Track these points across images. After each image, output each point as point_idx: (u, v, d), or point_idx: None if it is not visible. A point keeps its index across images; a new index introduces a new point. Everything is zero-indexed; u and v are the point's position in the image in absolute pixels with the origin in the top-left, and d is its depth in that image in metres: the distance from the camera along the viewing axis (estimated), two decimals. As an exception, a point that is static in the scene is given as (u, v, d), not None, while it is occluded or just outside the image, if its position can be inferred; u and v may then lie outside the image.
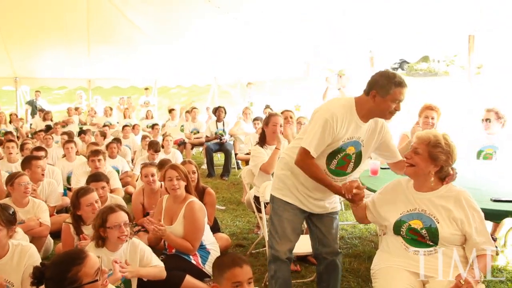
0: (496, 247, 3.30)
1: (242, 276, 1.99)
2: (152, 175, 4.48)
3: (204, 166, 8.67)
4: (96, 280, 1.99)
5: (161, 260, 3.14)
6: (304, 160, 2.56)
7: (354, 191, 2.46)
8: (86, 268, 1.96)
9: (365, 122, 2.55)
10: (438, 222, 2.29)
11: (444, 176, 2.39)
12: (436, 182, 2.40)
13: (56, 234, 4.17)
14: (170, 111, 11.40)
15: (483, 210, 2.43)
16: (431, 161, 2.34)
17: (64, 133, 7.86)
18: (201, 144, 9.24)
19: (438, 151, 2.32)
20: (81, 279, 1.94)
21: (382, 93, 2.41)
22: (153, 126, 9.60)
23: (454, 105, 8.09)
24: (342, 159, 2.62)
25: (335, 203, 2.85)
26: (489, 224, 3.64)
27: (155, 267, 2.97)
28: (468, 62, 5.84)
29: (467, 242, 2.30)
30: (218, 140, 8.33)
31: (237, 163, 8.53)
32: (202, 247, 3.47)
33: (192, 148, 9.44)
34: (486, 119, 4.61)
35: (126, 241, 2.89)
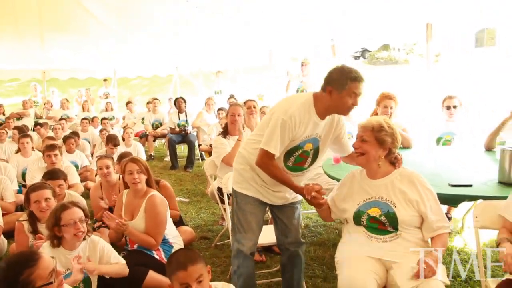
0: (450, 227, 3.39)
1: (188, 278, 1.96)
2: (107, 167, 4.35)
3: (167, 158, 8.52)
4: (51, 283, 1.90)
5: (123, 257, 3.04)
6: (264, 161, 2.54)
7: (313, 194, 2.47)
8: (39, 270, 1.87)
9: (323, 119, 2.54)
10: (395, 207, 2.34)
11: (393, 160, 2.47)
12: (388, 167, 2.46)
13: (10, 234, 3.98)
14: (127, 104, 11.02)
15: (442, 195, 2.51)
16: (379, 145, 2.40)
17: (16, 127, 7.44)
18: (163, 136, 9.08)
19: (383, 134, 2.40)
20: (34, 282, 1.85)
21: (338, 88, 2.40)
22: (93, 119, 9.48)
23: (414, 93, 8.27)
24: (300, 156, 2.62)
25: (296, 193, 2.83)
26: (444, 206, 3.72)
27: (117, 264, 2.88)
28: (427, 50, 5.94)
29: (423, 222, 2.36)
30: (182, 132, 8.22)
31: (201, 154, 8.43)
32: (165, 241, 3.40)
33: (154, 140, 9.25)
34: (454, 106, 4.69)
35: (84, 238, 2.78)
